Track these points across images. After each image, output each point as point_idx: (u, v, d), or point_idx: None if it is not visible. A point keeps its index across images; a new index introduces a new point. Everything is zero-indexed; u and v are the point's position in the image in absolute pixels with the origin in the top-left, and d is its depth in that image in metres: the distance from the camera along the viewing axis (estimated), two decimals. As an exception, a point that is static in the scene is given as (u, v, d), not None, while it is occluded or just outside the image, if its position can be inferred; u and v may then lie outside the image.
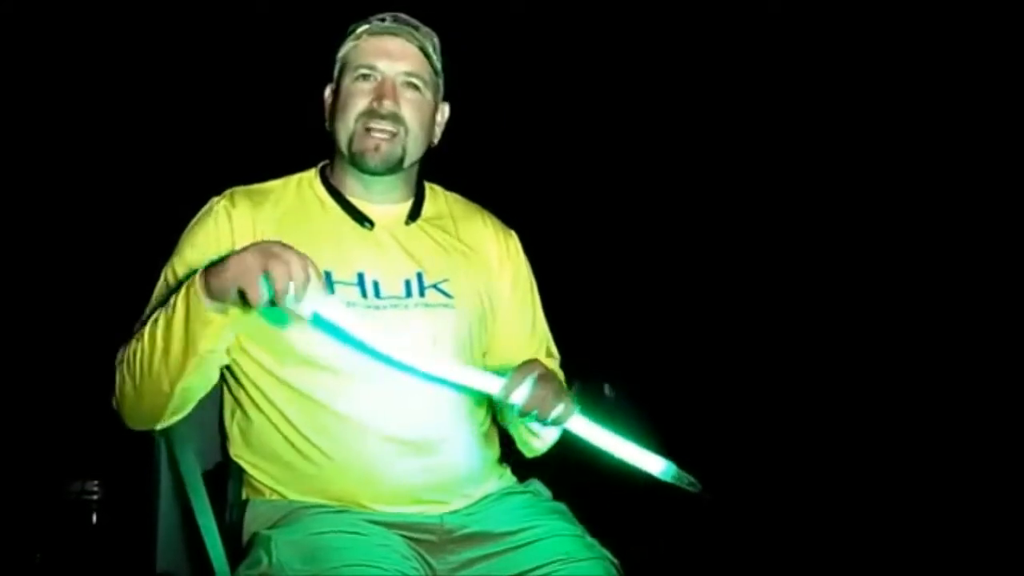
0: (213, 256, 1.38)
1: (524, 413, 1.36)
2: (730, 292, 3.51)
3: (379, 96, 1.47)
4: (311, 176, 1.58)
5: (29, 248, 2.95)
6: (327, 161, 1.59)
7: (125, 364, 1.37)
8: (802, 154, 3.49)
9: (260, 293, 1.21)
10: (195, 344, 1.29)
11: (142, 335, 1.33)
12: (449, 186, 1.68)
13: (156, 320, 1.32)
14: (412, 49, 1.51)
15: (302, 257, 1.23)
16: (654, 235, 3.61)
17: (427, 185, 1.63)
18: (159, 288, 1.47)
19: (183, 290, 1.29)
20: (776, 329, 3.43)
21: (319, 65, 1.60)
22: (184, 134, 2.95)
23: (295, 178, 1.58)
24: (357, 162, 1.49)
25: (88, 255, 2.93)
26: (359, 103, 1.48)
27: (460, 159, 1.64)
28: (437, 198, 1.64)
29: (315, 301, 1.24)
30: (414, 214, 1.57)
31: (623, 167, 3.63)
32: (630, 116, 3.59)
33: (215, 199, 1.51)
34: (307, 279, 1.22)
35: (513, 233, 1.68)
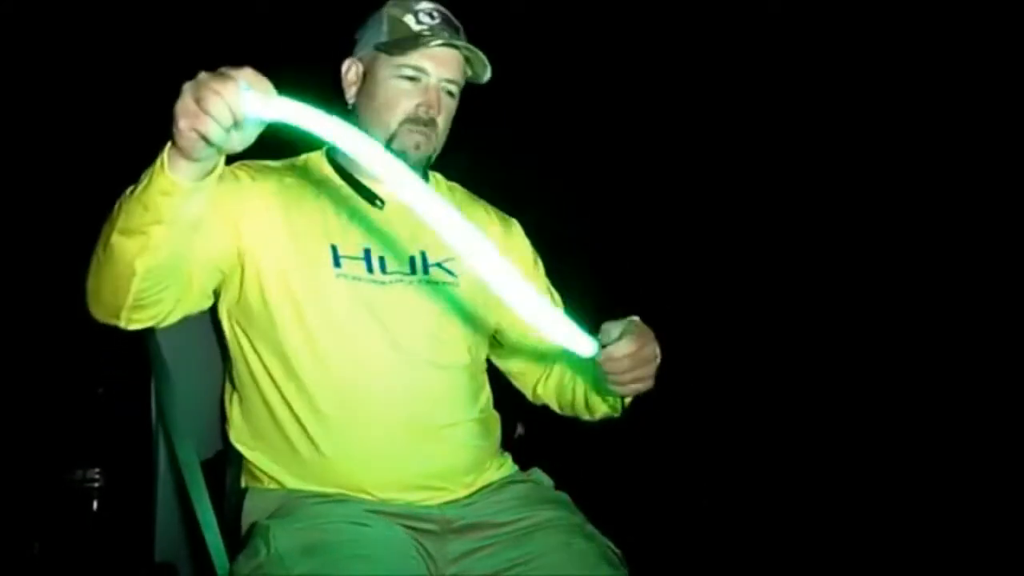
0: (240, 188, 1.41)
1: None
2: (733, 291, 3.51)
3: (427, 105, 1.47)
4: (317, 156, 1.57)
5: (31, 240, 2.95)
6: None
7: (98, 245, 1.29)
8: (803, 154, 3.49)
9: (215, 122, 1.09)
10: (156, 212, 1.20)
11: (111, 211, 1.26)
12: (454, 173, 1.67)
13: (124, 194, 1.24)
14: (458, 56, 1.50)
15: (233, 70, 1.11)
16: (657, 228, 3.61)
17: (430, 174, 1.62)
18: None
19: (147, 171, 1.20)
20: (779, 327, 3.43)
21: (320, 48, 1.58)
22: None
23: (300, 159, 1.57)
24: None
25: (89, 245, 2.92)
26: (403, 107, 1.47)
27: (464, 152, 1.63)
28: (440, 186, 1.64)
29: (257, 102, 1.11)
30: None
31: (628, 163, 3.62)
32: (634, 112, 3.58)
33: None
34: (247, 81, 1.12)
35: (515, 221, 1.68)
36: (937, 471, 2.84)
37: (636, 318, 1.36)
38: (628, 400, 1.45)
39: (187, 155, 1.14)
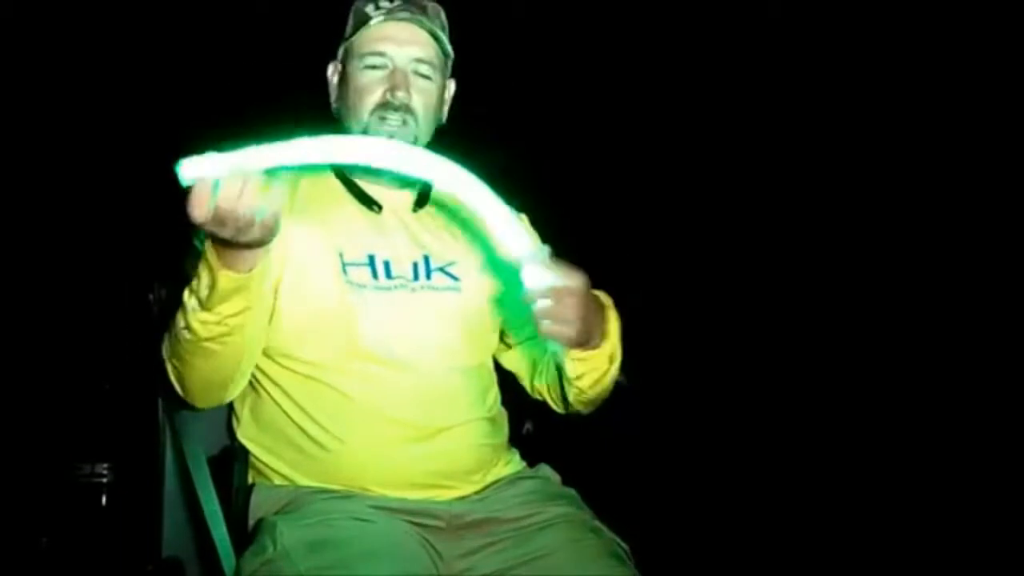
0: None
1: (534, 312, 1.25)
2: (737, 290, 3.51)
3: (392, 87, 1.45)
4: None
5: (37, 235, 2.96)
6: None
7: (181, 360, 1.34)
8: (804, 154, 3.49)
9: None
10: (235, 307, 1.26)
11: (189, 327, 1.28)
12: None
13: (196, 311, 1.27)
14: (422, 34, 1.48)
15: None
16: (661, 226, 3.61)
17: None
18: (186, 265, 1.41)
19: (206, 275, 1.24)
20: (782, 325, 3.43)
21: (319, 43, 1.58)
22: (181, 122, 2.96)
23: None
24: None
25: (94, 241, 2.93)
26: (372, 95, 1.45)
27: (469, 146, 1.62)
28: (445, 182, 1.62)
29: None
30: (422, 199, 1.55)
31: (629, 163, 3.63)
32: (635, 112, 3.58)
33: None
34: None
35: (523, 216, 1.67)
36: (939, 472, 2.84)
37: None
38: (589, 391, 1.43)
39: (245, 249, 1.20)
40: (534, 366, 1.61)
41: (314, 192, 1.51)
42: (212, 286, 1.23)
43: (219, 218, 1.13)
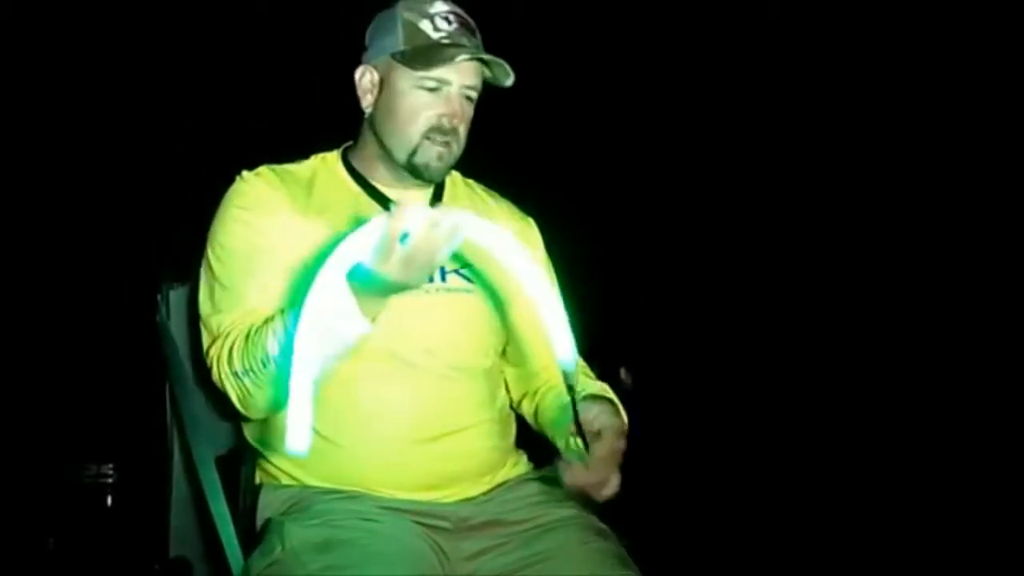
0: (265, 214, 1.41)
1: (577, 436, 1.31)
2: (738, 292, 3.51)
3: (449, 114, 1.44)
4: (333, 159, 1.56)
5: (45, 235, 2.96)
6: (349, 143, 1.57)
7: (256, 383, 1.31)
8: (805, 154, 3.49)
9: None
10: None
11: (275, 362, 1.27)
12: (467, 173, 1.67)
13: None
14: (476, 63, 1.46)
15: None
16: (665, 223, 3.61)
17: None
18: (217, 269, 1.42)
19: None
20: (783, 328, 3.44)
21: (318, 43, 1.57)
22: (184, 122, 2.95)
23: (317, 160, 1.56)
24: (418, 172, 1.47)
25: (101, 242, 2.94)
26: (425, 117, 1.44)
27: (478, 147, 1.63)
28: (456, 184, 1.62)
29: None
30: (435, 200, 1.55)
31: (638, 159, 3.63)
32: (636, 115, 3.58)
33: (246, 172, 1.49)
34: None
35: (531, 220, 1.67)
36: (938, 472, 2.84)
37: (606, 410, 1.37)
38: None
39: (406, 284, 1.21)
40: (525, 388, 1.61)
41: (330, 193, 1.51)
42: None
43: (409, 255, 1.16)
